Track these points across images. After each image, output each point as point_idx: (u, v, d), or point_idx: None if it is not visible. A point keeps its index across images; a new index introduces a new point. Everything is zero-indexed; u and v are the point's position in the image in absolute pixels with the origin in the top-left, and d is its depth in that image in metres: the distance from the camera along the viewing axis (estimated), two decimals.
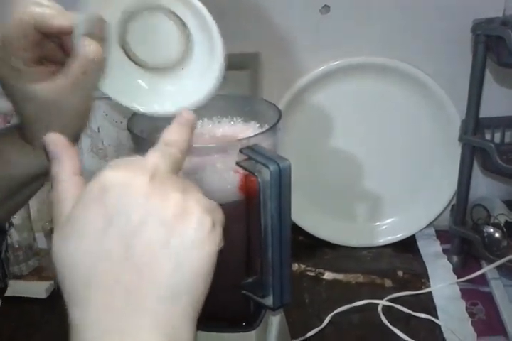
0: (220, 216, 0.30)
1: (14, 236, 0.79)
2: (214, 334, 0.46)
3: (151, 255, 0.28)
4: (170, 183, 0.29)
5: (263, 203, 0.39)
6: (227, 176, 0.41)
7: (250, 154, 0.39)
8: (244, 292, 0.45)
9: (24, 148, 0.41)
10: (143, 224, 0.28)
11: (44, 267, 0.82)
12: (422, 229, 0.85)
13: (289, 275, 0.42)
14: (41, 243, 0.82)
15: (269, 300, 0.42)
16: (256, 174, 0.39)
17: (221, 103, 0.49)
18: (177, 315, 0.28)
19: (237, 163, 0.40)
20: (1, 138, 0.41)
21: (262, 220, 0.40)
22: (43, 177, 0.43)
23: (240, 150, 0.40)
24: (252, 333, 0.46)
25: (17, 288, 0.76)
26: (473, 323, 0.68)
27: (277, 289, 0.42)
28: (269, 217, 0.40)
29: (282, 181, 0.39)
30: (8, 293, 0.72)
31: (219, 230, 0.30)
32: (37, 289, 0.76)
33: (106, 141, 0.88)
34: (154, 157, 0.31)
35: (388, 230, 0.85)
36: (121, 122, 0.86)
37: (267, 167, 0.38)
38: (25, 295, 0.75)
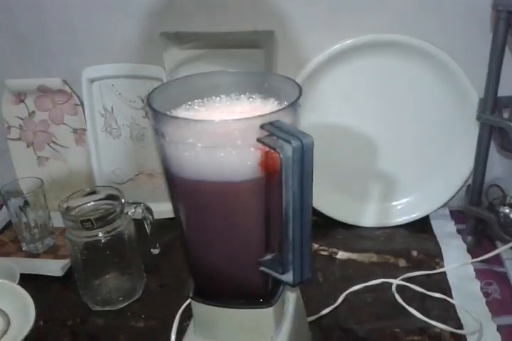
0: None
1: (30, 215, 0.79)
2: (233, 310, 0.46)
3: None
4: None
5: (285, 180, 0.39)
6: (247, 152, 0.40)
7: (272, 130, 0.39)
8: (262, 269, 0.45)
9: None
10: None
11: (60, 246, 0.82)
12: (437, 209, 0.85)
13: (308, 252, 0.42)
14: (57, 222, 0.83)
15: (289, 277, 0.42)
16: (278, 150, 0.38)
17: (239, 80, 0.49)
18: None
19: (259, 139, 0.39)
20: None
21: (284, 197, 0.40)
22: None
23: (261, 126, 0.39)
24: (270, 309, 0.47)
25: (33, 266, 0.77)
26: (487, 303, 0.68)
27: (297, 265, 0.42)
28: (291, 194, 0.39)
29: (305, 157, 0.38)
30: (25, 270, 0.73)
31: None
32: (53, 267, 0.77)
33: (120, 121, 0.88)
34: None
35: (402, 210, 0.85)
36: (135, 101, 0.86)
37: (289, 143, 0.37)
38: (42, 273, 0.76)
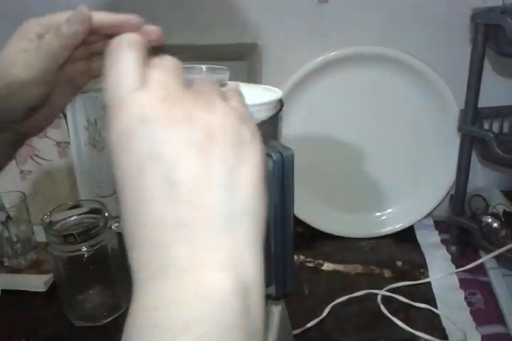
0: (252, 123, 0.29)
1: (12, 230, 0.78)
2: None
3: (198, 186, 0.26)
4: (187, 101, 0.27)
5: None
6: None
7: None
8: None
9: None
10: (178, 159, 0.26)
11: (42, 260, 0.81)
12: (421, 220, 0.85)
13: (291, 265, 0.42)
14: (40, 236, 0.82)
15: (271, 290, 0.42)
16: None
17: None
18: (240, 240, 0.26)
19: None
20: None
21: None
22: None
23: None
24: None
25: (16, 282, 0.76)
26: (471, 312, 0.68)
27: (280, 279, 0.41)
28: (272, 207, 0.39)
29: (285, 171, 0.39)
30: (7, 286, 0.72)
31: (258, 137, 0.28)
32: (36, 282, 0.75)
33: (103, 133, 0.87)
34: (155, 74, 0.28)
35: (387, 221, 0.86)
36: None
37: (269, 156, 0.38)
38: (25, 289, 0.75)
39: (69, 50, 0.39)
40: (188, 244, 0.25)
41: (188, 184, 0.26)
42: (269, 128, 0.42)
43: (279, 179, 0.39)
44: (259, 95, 0.42)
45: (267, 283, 0.42)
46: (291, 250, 0.42)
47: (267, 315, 0.50)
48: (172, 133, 0.26)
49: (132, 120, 0.26)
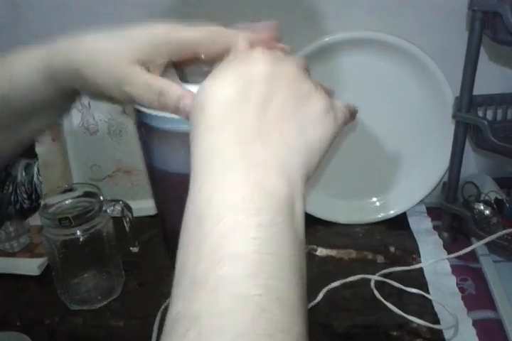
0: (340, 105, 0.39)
1: None
2: None
3: (282, 116, 0.33)
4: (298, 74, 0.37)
5: None
6: None
7: None
8: None
9: (47, 76, 0.40)
10: (275, 95, 0.33)
11: (35, 244, 0.81)
12: (413, 206, 0.86)
13: None
14: (33, 220, 0.82)
15: None
16: None
17: None
18: (294, 165, 0.32)
19: None
20: (28, 64, 0.40)
21: None
22: (53, 113, 0.43)
23: None
24: None
25: (9, 265, 0.76)
26: (463, 298, 0.70)
27: None
28: None
29: None
30: (0, 270, 0.72)
31: (340, 114, 0.37)
32: (30, 266, 0.75)
33: (97, 116, 0.86)
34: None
35: (380, 207, 0.86)
36: None
37: None
38: (18, 273, 0.75)
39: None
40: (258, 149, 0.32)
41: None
42: None
43: None
44: None
45: None
46: None
47: None
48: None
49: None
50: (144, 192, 0.91)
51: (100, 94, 0.40)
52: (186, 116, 0.36)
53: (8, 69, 0.39)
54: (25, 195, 0.42)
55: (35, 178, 0.43)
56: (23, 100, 0.40)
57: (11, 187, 0.41)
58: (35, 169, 0.43)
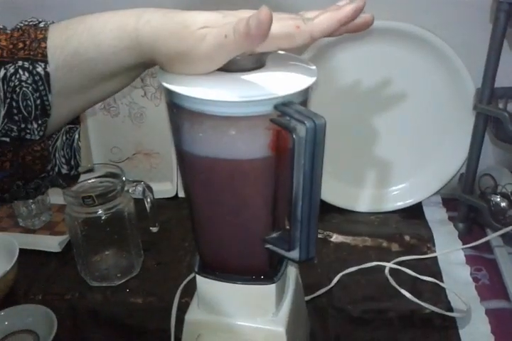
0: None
1: None
2: (237, 285, 0.48)
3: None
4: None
5: (296, 160, 0.40)
6: (259, 132, 0.41)
7: (286, 111, 0.39)
8: (268, 246, 0.46)
9: (132, 51, 0.40)
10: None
11: (56, 222, 0.83)
12: (429, 197, 0.86)
13: (315, 231, 0.43)
14: (54, 198, 0.83)
15: (295, 254, 0.43)
16: (291, 131, 0.39)
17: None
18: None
19: (272, 120, 0.40)
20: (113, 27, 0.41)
21: (295, 177, 0.41)
22: (127, 78, 0.44)
23: (275, 107, 0.40)
24: (273, 286, 0.48)
25: (31, 242, 0.78)
26: (477, 288, 0.70)
27: (304, 243, 0.43)
28: (302, 174, 0.40)
29: (317, 138, 0.39)
30: (23, 245, 0.73)
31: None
32: (51, 243, 0.77)
33: (118, 99, 0.88)
34: None
35: (397, 196, 0.87)
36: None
37: (303, 123, 0.38)
38: (40, 249, 0.77)
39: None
40: None
41: None
42: (300, 98, 0.42)
43: (311, 146, 0.40)
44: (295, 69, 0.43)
45: (291, 248, 0.44)
46: (316, 216, 0.43)
47: (284, 280, 0.52)
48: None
49: None
50: (162, 175, 0.92)
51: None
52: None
53: (96, 35, 0.40)
54: (63, 160, 0.43)
55: (75, 144, 0.44)
56: (107, 64, 0.41)
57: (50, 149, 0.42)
58: (77, 135, 0.44)
